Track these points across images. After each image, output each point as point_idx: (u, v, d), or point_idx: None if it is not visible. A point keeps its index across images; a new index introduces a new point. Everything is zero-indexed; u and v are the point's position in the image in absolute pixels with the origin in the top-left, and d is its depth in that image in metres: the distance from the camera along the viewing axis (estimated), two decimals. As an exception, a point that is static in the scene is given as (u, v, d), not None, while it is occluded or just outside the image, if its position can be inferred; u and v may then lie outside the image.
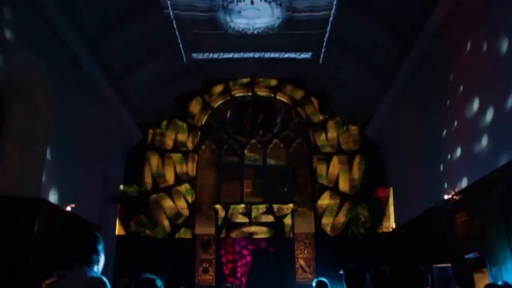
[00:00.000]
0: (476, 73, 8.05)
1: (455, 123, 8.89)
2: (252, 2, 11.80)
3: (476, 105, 7.95)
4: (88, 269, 2.73)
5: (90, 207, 10.89)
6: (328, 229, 14.00)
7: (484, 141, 7.66)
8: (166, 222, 14.01)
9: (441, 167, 9.54)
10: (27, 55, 8.37)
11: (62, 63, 9.53)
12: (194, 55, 13.70)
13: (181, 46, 13.00)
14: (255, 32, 12.85)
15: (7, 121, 8.84)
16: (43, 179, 8.69)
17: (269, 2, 11.82)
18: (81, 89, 10.49)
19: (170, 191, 14.34)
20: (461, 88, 8.63)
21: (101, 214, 11.57)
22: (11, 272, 7.47)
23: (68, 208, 9.38)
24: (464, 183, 8.42)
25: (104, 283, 2.64)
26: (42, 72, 8.86)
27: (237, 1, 11.69)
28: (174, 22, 12.02)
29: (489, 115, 7.40)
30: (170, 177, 14.52)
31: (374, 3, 10.91)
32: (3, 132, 8.75)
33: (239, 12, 12.10)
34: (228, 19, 12.30)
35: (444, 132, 9.40)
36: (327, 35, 12.65)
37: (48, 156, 8.89)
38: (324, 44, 12.99)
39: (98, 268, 2.84)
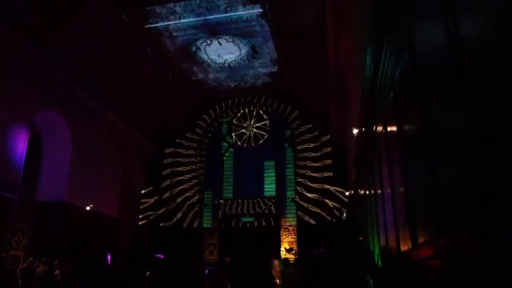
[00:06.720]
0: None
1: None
2: (220, 43, 15.32)
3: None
4: None
5: (109, 205, 15.25)
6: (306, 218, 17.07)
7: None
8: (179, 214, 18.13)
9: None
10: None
11: (77, 109, 13.85)
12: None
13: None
14: (231, 64, 16.32)
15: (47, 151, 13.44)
16: (66, 188, 13.09)
17: (233, 41, 15.22)
18: (96, 124, 14.77)
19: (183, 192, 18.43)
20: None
21: (120, 209, 15.92)
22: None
23: (87, 208, 13.71)
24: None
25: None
26: (63, 119, 13.28)
27: (206, 45, 15.24)
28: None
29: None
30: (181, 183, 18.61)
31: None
32: (44, 158, 13.37)
33: (216, 50, 15.67)
34: (206, 57, 15.93)
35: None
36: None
37: (71, 171, 13.31)
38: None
39: None
